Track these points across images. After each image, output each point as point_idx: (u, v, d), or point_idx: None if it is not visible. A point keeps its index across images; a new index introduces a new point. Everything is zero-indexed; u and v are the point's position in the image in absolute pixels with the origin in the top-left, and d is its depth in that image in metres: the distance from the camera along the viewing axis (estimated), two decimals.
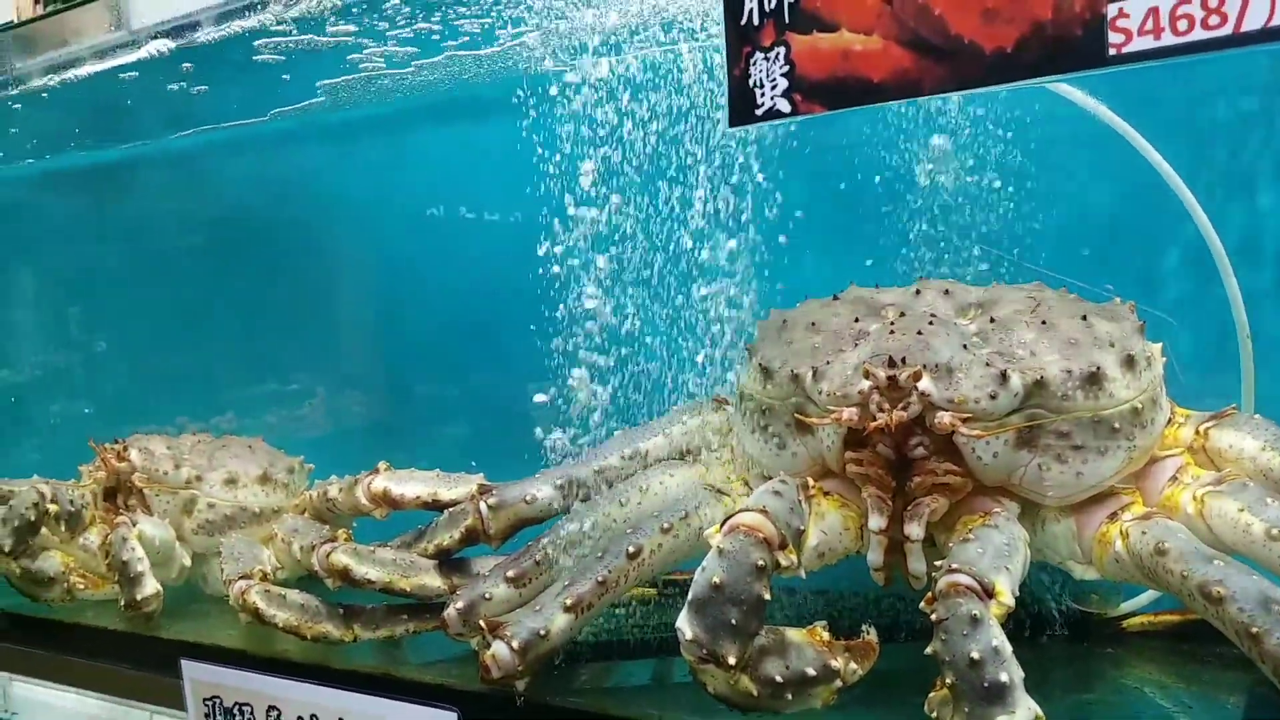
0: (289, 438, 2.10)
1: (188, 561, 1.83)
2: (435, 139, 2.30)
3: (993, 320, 1.25)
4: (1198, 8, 0.85)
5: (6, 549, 1.81)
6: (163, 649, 1.69)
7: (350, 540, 1.57)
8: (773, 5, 1.03)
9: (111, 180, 2.90)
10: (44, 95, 2.45)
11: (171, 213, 2.82)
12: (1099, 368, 1.18)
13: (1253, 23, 0.83)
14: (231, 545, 1.70)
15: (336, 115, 2.38)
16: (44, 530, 1.83)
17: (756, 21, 1.04)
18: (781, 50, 1.03)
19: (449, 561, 1.57)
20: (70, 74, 2.40)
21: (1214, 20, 0.84)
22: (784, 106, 1.04)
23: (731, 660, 1.12)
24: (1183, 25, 0.86)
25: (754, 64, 1.05)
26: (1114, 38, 0.88)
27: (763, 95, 1.04)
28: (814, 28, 1.01)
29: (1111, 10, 0.88)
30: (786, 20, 1.03)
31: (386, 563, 1.53)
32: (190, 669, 1.61)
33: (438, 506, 1.62)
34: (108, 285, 2.92)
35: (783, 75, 1.03)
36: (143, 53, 2.32)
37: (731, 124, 1.07)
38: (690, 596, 1.15)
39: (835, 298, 1.40)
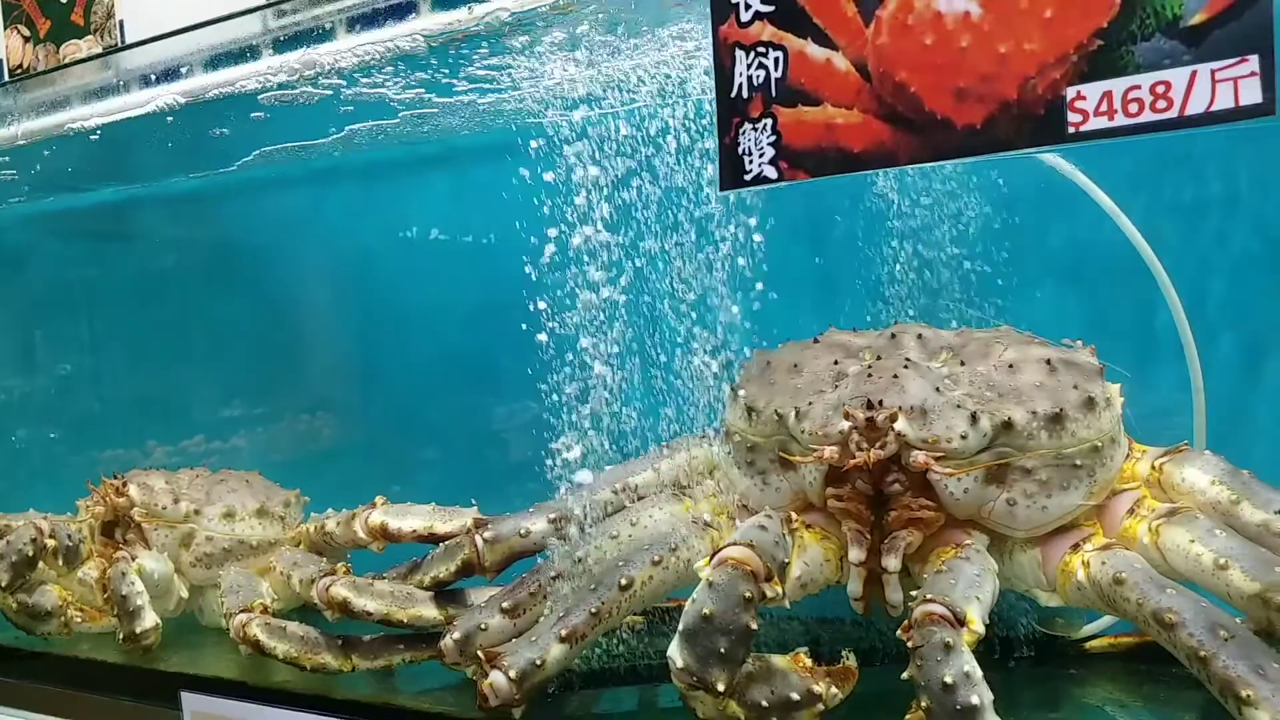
0: (262, 461, 2.16)
1: (185, 594, 1.87)
2: (429, 180, 2.37)
3: (963, 363, 1.34)
4: (1147, 92, 0.94)
5: (3, 584, 1.84)
6: (159, 680, 1.73)
7: (349, 573, 1.63)
8: (760, 80, 1.11)
9: (99, 217, 2.94)
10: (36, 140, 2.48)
11: (156, 245, 2.87)
12: (1061, 409, 1.27)
13: (1196, 107, 0.92)
14: (231, 578, 1.74)
15: (322, 159, 2.44)
16: (41, 564, 1.86)
17: (745, 94, 1.12)
18: (769, 121, 1.11)
19: (444, 593, 1.62)
20: (60, 117, 2.44)
21: (1161, 104, 0.93)
22: (771, 173, 1.12)
23: (721, 687, 1.19)
24: (1134, 108, 0.95)
25: (743, 133, 1.13)
26: (1073, 117, 0.97)
27: (751, 162, 1.12)
28: (799, 101, 1.10)
29: (1070, 93, 0.97)
30: (773, 94, 1.11)
31: (384, 595, 1.58)
32: (190, 700, 1.65)
33: (433, 540, 1.68)
34: (82, 310, 2.95)
35: (770, 144, 1.11)
36: (134, 98, 2.37)
37: (722, 188, 1.15)
38: (681, 627, 1.22)
39: (815, 340, 1.48)
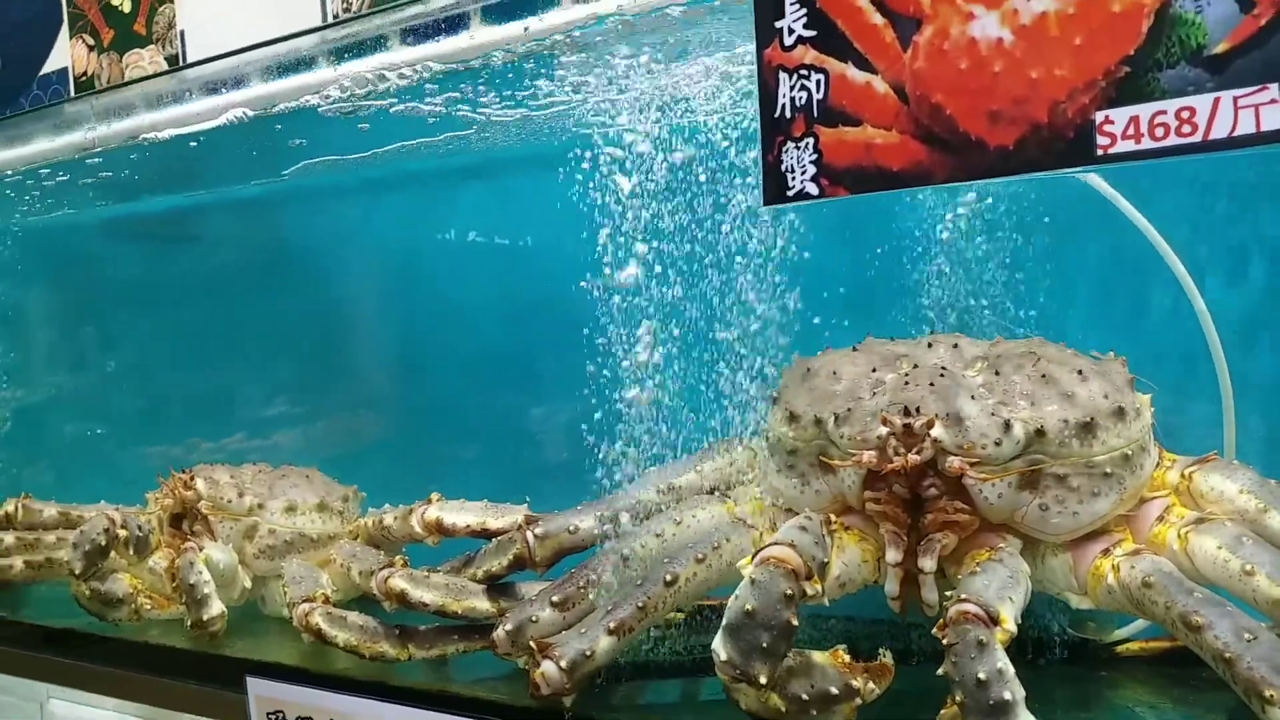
0: (304, 457, 2.26)
1: (248, 584, 1.96)
2: (472, 190, 2.46)
3: (997, 373, 1.38)
4: (1172, 117, 0.99)
5: (77, 571, 1.94)
6: (226, 665, 1.82)
7: (406, 566, 1.71)
8: (803, 101, 1.17)
9: (157, 223, 3.08)
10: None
11: (208, 249, 3.00)
12: (1092, 418, 1.31)
13: (1219, 132, 0.97)
14: (293, 570, 1.83)
15: (367, 168, 2.54)
16: (112, 553, 1.96)
17: (789, 115, 1.18)
18: (811, 140, 1.17)
19: (496, 586, 1.70)
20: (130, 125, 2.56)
21: (1186, 129, 0.98)
22: (812, 189, 1.18)
23: (763, 680, 1.25)
24: (1160, 132, 0.99)
25: (786, 151, 1.19)
26: (1101, 140, 1.02)
27: (793, 179, 1.18)
28: (839, 122, 1.16)
29: (1099, 117, 1.02)
30: (815, 115, 1.17)
31: (440, 587, 1.66)
32: (255, 685, 1.74)
33: (486, 535, 1.76)
34: (128, 311, 3.08)
35: (811, 162, 1.17)
36: (199, 107, 2.49)
37: (765, 203, 1.21)
38: (725, 622, 1.28)
39: (854, 348, 1.53)
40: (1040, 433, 1.31)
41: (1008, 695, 1.11)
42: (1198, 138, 0.98)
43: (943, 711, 1.20)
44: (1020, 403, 1.34)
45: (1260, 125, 0.95)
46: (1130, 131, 1.00)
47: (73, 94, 2.99)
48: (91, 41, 2.96)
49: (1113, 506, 1.33)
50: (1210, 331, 1.50)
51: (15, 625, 2.17)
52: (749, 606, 1.25)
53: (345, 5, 2.30)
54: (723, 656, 1.27)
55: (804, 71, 1.17)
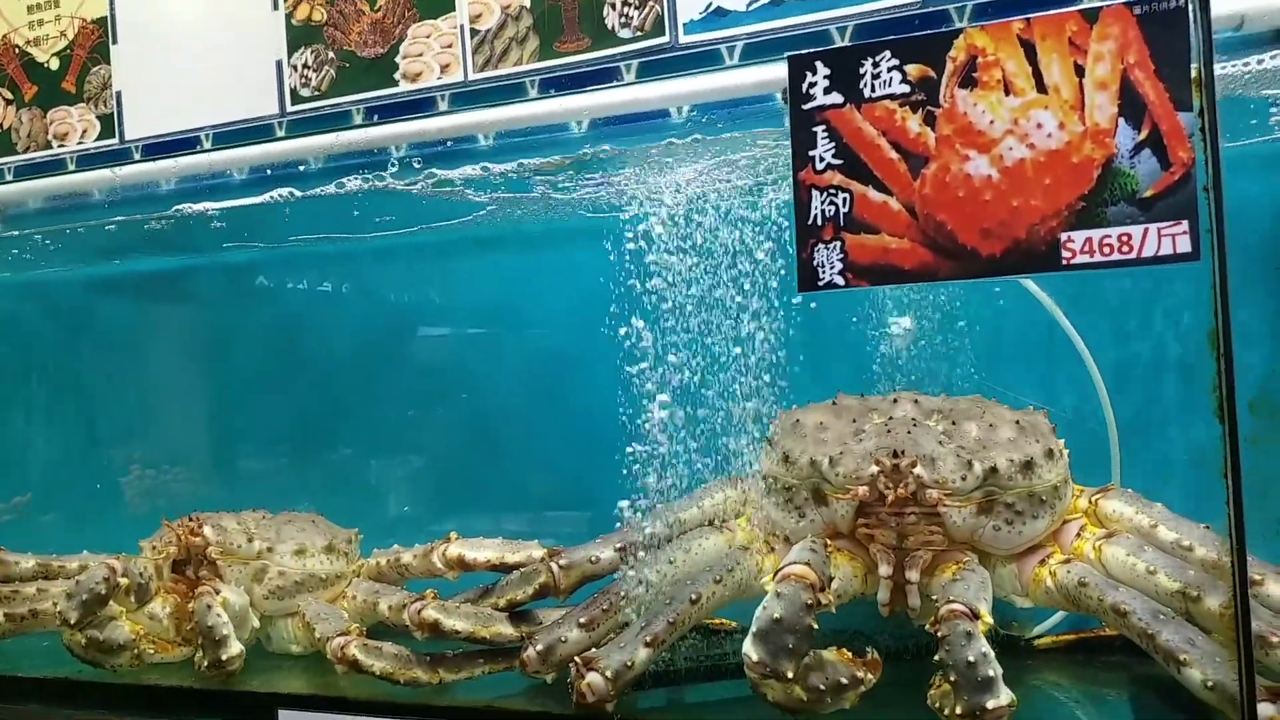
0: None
1: (257, 624, 2.08)
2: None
3: (954, 423, 1.74)
4: (1115, 240, 1.36)
5: (72, 621, 1.98)
6: (253, 701, 1.93)
7: (436, 598, 1.90)
8: (831, 213, 1.50)
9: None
10: None
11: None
12: (1031, 458, 1.69)
13: (1148, 252, 1.35)
14: (314, 608, 1.97)
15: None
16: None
17: (819, 223, 1.50)
18: (838, 244, 1.49)
19: (516, 613, 1.91)
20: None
21: (1125, 249, 1.36)
22: (840, 281, 1.50)
23: (790, 675, 1.53)
24: (1106, 250, 1.37)
25: (817, 250, 1.50)
26: (1065, 254, 1.38)
27: (824, 272, 1.50)
28: (862, 231, 1.48)
29: (1064, 237, 1.38)
30: (841, 224, 1.49)
31: (469, 616, 1.86)
32: (287, 717, 1.88)
33: (504, 568, 1.97)
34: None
35: (839, 260, 1.49)
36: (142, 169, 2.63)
37: (800, 290, 1.52)
38: (754, 629, 1.55)
39: (833, 402, 1.86)
40: (994, 470, 1.67)
41: (991, 672, 1.44)
42: (1133, 255, 1.36)
43: (932, 692, 1.53)
44: (975, 447, 1.70)
45: (1176, 249, 1.34)
46: (1086, 248, 1.38)
47: None
48: (10, 95, 2.95)
49: (1047, 526, 1.71)
50: (1101, 389, 1.92)
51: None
52: (776, 615, 1.54)
53: (304, 80, 2.48)
54: (754, 657, 1.54)
55: (832, 190, 1.49)
